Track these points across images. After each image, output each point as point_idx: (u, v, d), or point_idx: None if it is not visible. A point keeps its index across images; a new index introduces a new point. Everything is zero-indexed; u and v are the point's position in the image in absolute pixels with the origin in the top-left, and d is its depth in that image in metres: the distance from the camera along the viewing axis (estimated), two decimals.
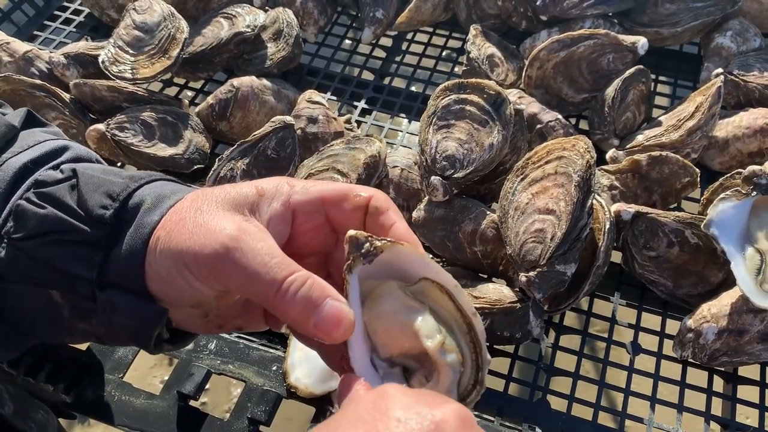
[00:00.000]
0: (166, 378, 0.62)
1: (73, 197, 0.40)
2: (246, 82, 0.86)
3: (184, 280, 0.38)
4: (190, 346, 0.64)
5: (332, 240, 0.43)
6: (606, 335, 0.71)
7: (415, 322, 0.38)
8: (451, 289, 0.39)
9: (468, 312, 0.39)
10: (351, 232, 0.39)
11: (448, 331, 0.39)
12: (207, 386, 0.62)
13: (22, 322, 0.42)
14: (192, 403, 0.61)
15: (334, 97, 0.96)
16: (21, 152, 0.44)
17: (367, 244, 0.38)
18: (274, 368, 0.63)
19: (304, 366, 0.61)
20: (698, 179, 0.74)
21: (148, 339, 0.40)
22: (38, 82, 0.84)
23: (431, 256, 0.76)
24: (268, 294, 0.36)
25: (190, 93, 0.98)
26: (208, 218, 0.38)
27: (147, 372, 1.55)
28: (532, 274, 0.64)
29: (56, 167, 0.43)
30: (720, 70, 0.83)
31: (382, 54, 1.03)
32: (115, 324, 0.39)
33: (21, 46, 0.92)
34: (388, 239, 0.39)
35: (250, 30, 0.92)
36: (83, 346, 0.64)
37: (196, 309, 0.41)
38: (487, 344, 0.40)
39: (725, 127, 0.81)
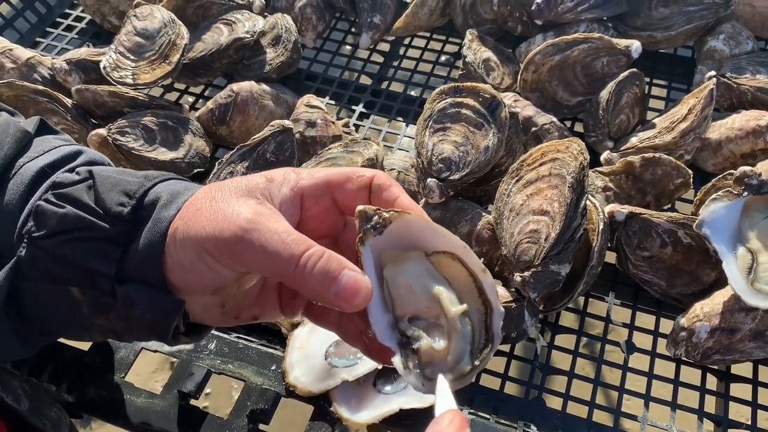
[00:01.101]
0: (168, 382, 0.63)
1: (91, 196, 0.42)
2: (245, 87, 0.87)
3: (205, 265, 0.39)
4: (190, 346, 0.65)
5: (340, 222, 0.44)
6: (601, 334, 0.72)
7: (436, 287, 0.40)
8: (460, 254, 0.41)
9: (478, 271, 0.41)
10: (360, 207, 0.40)
11: (462, 295, 0.40)
12: (208, 390, 0.63)
13: (40, 321, 0.44)
14: (192, 402, 0.62)
15: (333, 102, 0.98)
16: (37, 157, 0.45)
17: (376, 216, 0.40)
18: (273, 367, 0.63)
19: (302, 365, 0.62)
20: (691, 180, 0.75)
21: (167, 331, 0.41)
22: (41, 87, 0.86)
23: None
24: (287, 270, 0.38)
25: (190, 98, 0.99)
26: (224, 205, 0.40)
27: (149, 377, 1.56)
28: (526, 274, 0.65)
29: (72, 170, 0.45)
30: (713, 72, 0.84)
31: (379, 59, 1.05)
32: (133, 317, 0.41)
33: (24, 53, 0.93)
34: (396, 210, 0.40)
35: (249, 36, 0.93)
36: (85, 346, 0.65)
37: (216, 295, 0.42)
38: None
39: (718, 129, 0.82)
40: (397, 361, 0.39)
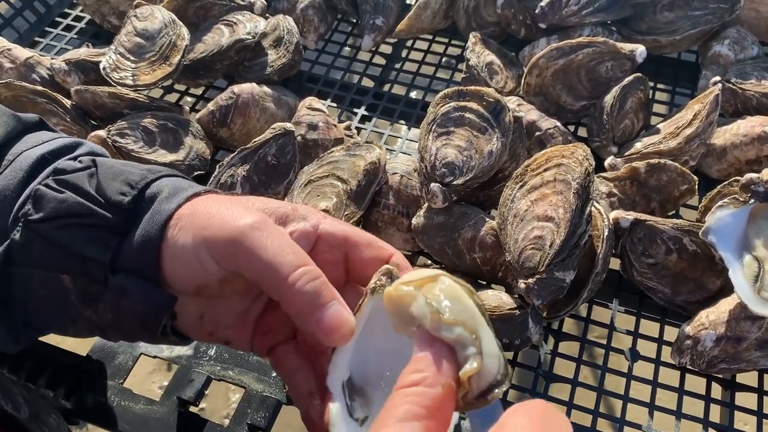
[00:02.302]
0: (165, 383, 0.63)
1: (92, 184, 0.41)
2: (246, 89, 0.86)
3: (197, 257, 0.39)
4: (189, 352, 0.64)
5: (342, 281, 0.43)
6: (605, 342, 0.71)
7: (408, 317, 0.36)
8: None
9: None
10: (388, 266, 0.39)
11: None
12: (206, 391, 0.62)
13: (27, 310, 0.43)
14: (191, 408, 0.61)
15: (334, 104, 0.97)
16: (37, 146, 0.45)
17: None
18: (274, 374, 0.63)
19: None
20: (696, 187, 0.75)
21: (157, 324, 0.40)
22: (39, 88, 0.85)
23: (431, 263, 0.76)
24: (278, 278, 0.37)
25: (190, 99, 0.98)
26: (233, 209, 0.39)
27: (146, 377, 1.55)
28: (531, 281, 0.64)
29: (74, 159, 0.45)
30: (718, 78, 0.83)
31: (381, 61, 1.04)
32: (124, 308, 0.40)
33: (22, 53, 0.92)
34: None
35: (250, 37, 0.92)
36: (84, 351, 0.65)
37: (196, 297, 0.41)
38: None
39: (723, 135, 0.81)
40: (333, 408, 0.36)
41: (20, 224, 0.41)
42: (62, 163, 0.44)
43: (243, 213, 0.39)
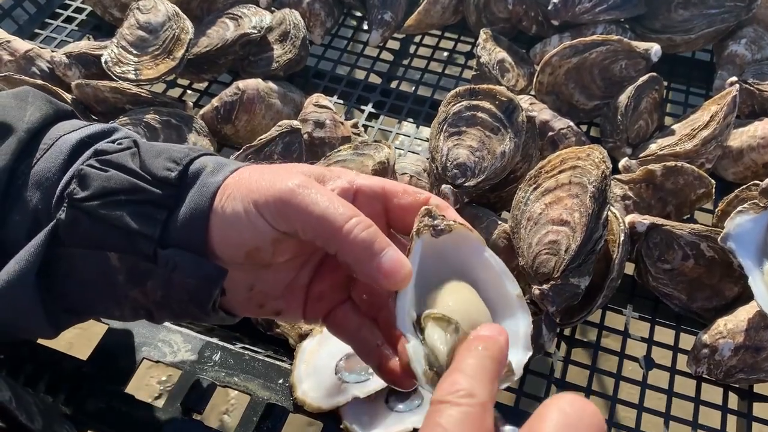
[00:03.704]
0: (163, 378, 0.61)
1: (136, 162, 0.42)
2: (252, 84, 0.84)
3: (248, 219, 0.39)
4: (194, 357, 0.63)
5: (385, 234, 0.43)
6: (618, 349, 0.69)
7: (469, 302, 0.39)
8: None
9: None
10: (427, 206, 0.40)
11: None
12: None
13: (71, 294, 0.43)
14: (195, 416, 0.60)
15: (341, 101, 0.95)
16: (73, 131, 0.45)
17: (439, 220, 0.40)
18: (281, 381, 0.61)
19: (311, 379, 0.60)
20: (713, 190, 0.73)
21: (208, 298, 0.40)
22: (39, 82, 0.82)
23: None
24: (335, 229, 0.38)
25: (194, 95, 0.96)
26: (276, 174, 0.40)
27: (144, 372, 1.54)
28: (545, 287, 0.62)
29: (112, 142, 0.45)
30: (734, 78, 0.81)
31: (389, 57, 1.02)
32: (174, 283, 0.40)
33: (22, 45, 0.90)
34: (460, 222, 0.40)
35: (256, 31, 0.90)
36: (84, 356, 0.63)
37: (247, 262, 0.41)
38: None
39: (739, 137, 0.80)
40: (410, 347, 0.37)
41: (65, 204, 0.41)
42: (102, 145, 0.44)
43: (287, 176, 0.40)
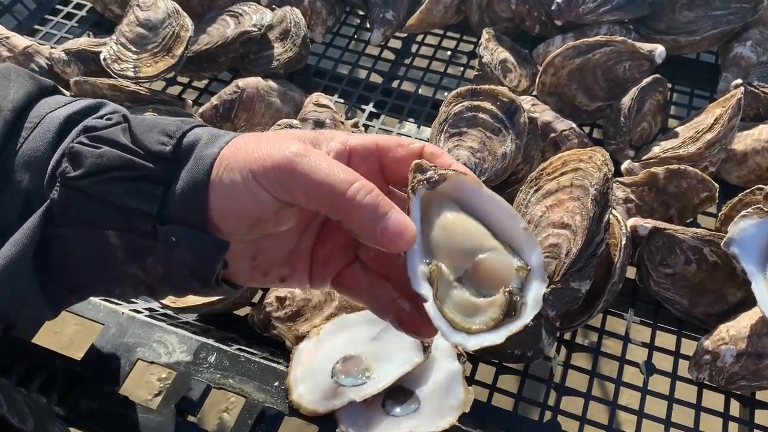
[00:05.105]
0: (163, 376, 0.60)
1: (127, 137, 0.41)
2: (252, 83, 0.83)
3: (248, 190, 0.38)
4: (189, 358, 0.62)
5: (384, 191, 0.43)
6: (619, 354, 0.69)
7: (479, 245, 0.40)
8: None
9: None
10: (416, 161, 0.40)
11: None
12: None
13: (69, 274, 0.42)
14: (189, 418, 0.59)
15: (341, 100, 0.94)
16: (59, 108, 0.43)
17: (431, 171, 0.40)
18: (276, 383, 0.60)
19: (307, 382, 0.59)
20: (717, 194, 0.72)
21: (211, 272, 0.40)
22: None
23: None
24: (335, 196, 0.37)
25: (193, 92, 0.95)
26: (273, 141, 0.39)
27: (144, 369, 1.53)
28: (546, 291, 0.61)
29: (101, 117, 0.43)
30: (739, 81, 0.80)
31: (391, 56, 1.01)
32: (175, 259, 0.39)
33: (21, 41, 0.89)
34: (453, 169, 0.40)
35: (256, 29, 0.89)
36: (78, 355, 0.62)
37: (252, 232, 0.41)
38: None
39: (744, 140, 0.79)
40: (429, 306, 0.38)
41: (58, 183, 0.39)
42: (91, 121, 0.42)
43: (284, 143, 0.39)
